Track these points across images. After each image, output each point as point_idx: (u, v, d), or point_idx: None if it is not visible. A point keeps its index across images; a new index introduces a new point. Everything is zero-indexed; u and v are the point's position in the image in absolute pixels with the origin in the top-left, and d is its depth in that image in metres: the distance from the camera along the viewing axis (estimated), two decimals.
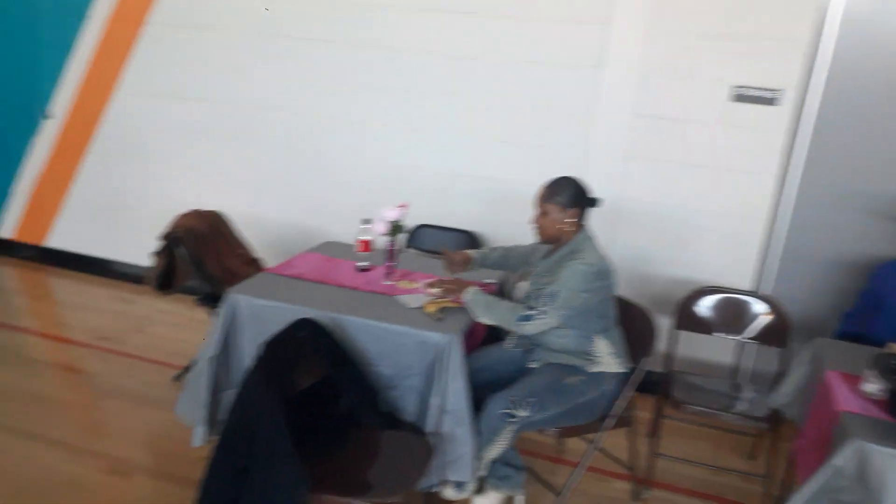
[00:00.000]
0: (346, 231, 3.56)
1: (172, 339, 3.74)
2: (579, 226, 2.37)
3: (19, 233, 4.71)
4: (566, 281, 2.25)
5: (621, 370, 2.43)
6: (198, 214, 3.28)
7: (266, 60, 3.93)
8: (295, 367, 2.14)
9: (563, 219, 2.33)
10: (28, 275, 4.60)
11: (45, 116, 4.41)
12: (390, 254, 2.76)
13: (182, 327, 3.89)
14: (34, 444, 2.70)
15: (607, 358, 2.39)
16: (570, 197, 2.33)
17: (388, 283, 2.70)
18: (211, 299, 3.11)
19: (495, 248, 2.78)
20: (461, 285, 2.46)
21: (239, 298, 2.48)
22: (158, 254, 3.13)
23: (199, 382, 2.50)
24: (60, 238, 4.64)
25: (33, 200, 4.62)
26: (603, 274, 2.33)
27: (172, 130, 4.22)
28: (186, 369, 3.31)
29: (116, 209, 4.44)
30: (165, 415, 2.96)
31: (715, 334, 2.90)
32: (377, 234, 2.74)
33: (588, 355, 2.38)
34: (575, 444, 2.89)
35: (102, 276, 4.56)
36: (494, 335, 2.64)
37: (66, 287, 4.46)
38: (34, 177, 4.56)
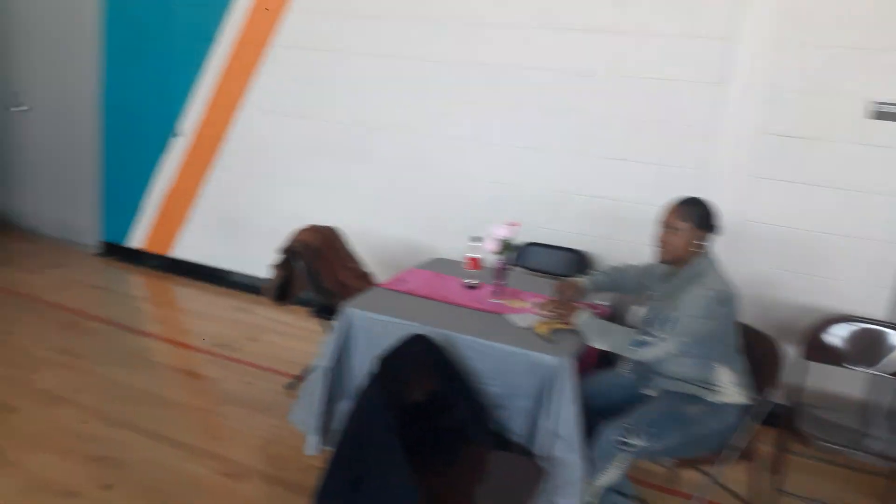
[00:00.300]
0: (454, 248, 3.58)
1: (286, 348, 3.88)
2: (704, 249, 2.28)
3: (148, 243, 5.04)
4: (688, 306, 2.16)
5: (744, 401, 2.30)
6: (314, 229, 3.39)
7: (379, 80, 4.04)
8: (407, 382, 2.16)
9: (693, 239, 2.24)
10: (155, 283, 4.91)
11: (175, 134, 4.72)
12: (499, 272, 2.74)
13: (295, 337, 4.03)
14: (160, 444, 2.86)
15: (730, 388, 2.27)
16: (702, 217, 2.24)
17: (497, 301, 2.69)
18: (325, 311, 3.21)
19: (606, 270, 2.70)
20: (573, 308, 2.41)
21: (354, 312, 2.54)
22: (277, 266, 3.26)
23: (314, 392, 2.57)
24: (184, 249, 4.93)
25: (162, 213, 4.93)
26: (727, 300, 2.22)
27: (290, 148, 4.40)
28: (298, 378, 3.42)
29: (236, 222, 4.68)
30: (279, 421, 3.07)
31: (846, 366, 2.70)
32: (487, 251, 2.74)
33: (709, 384, 2.26)
34: (689, 475, 2.75)
35: (221, 285, 4.80)
36: (607, 359, 2.57)
37: (188, 295, 4.73)
38: (163, 191, 4.88)
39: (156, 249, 5.03)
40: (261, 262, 4.53)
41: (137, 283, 4.92)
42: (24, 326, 3.90)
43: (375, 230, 4.15)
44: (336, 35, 4.11)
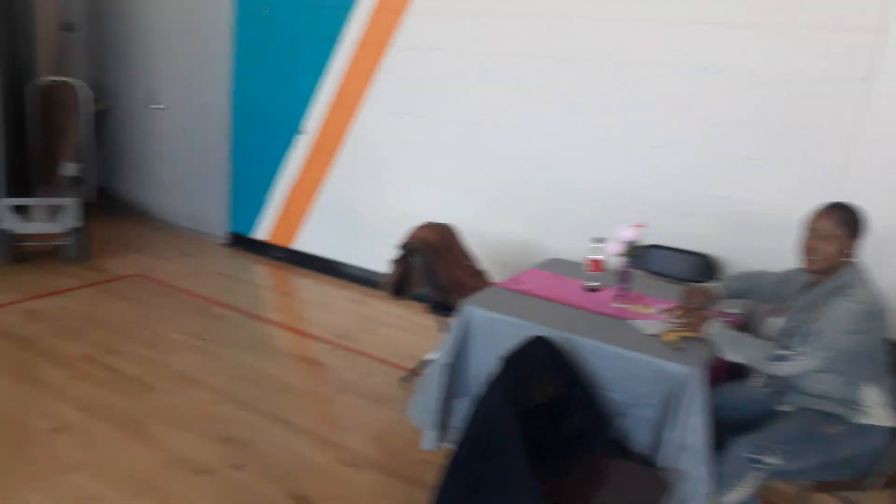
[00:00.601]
0: (569, 248, 3.53)
1: (400, 342, 3.96)
2: (852, 258, 2.12)
3: (272, 235, 5.28)
4: (832, 320, 2.02)
5: (892, 424, 2.12)
6: (432, 227, 3.43)
7: (495, 79, 4.04)
8: (529, 384, 2.14)
9: (846, 248, 2.09)
10: (278, 273, 5.15)
11: (300, 132, 4.91)
12: (623, 275, 2.67)
13: (409, 331, 4.11)
14: (284, 429, 2.99)
15: (877, 409, 2.10)
16: (855, 224, 2.09)
17: (620, 305, 2.62)
18: (440, 307, 3.25)
19: (739, 276, 2.57)
20: (703, 315, 2.31)
21: (473, 310, 2.55)
22: (396, 262, 3.33)
23: (432, 388, 2.61)
24: (305, 241, 5.13)
25: (285, 207, 5.16)
26: (876, 314, 2.06)
27: (406, 146, 4.48)
28: (413, 372, 3.48)
29: (353, 217, 4.82)
30: (394, 414, 3.14)
31: None
32: (610, 253, 2.67)
33: (853, 404, 2.11)
34: (822, 498, 2.57)
35: (338, 277, 4.96)
36: (737, 371, 2.45)
37: (308, 286, 4.92)
38: (287, 186, 5.09)
39: (278, 241, 5.26)
40: (375, 256, 4.65)
41: (261, 272, 5.17)
42: (160, 311, 4.19)
43: (489, 229, 4.15)
44: (453, 35, 4.14)
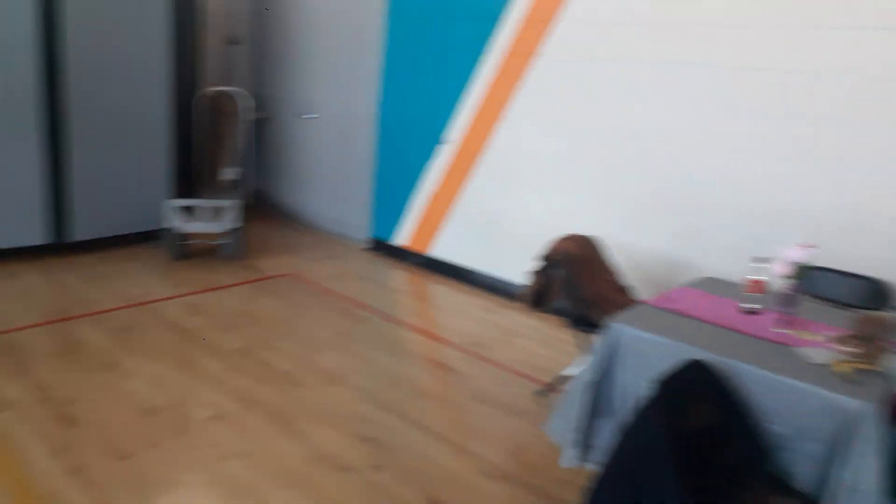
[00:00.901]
0: (720, 266, 3.35)
1: (535, 354, 3.91)
2: None
3: (411, 242, 5.42)
4: None
5: None
6: (574, 238, 3.37)
7: (645, 87, 3.91)
8: (684, 410, 2.03)
9: None
10: (415, 279, 5.26)
11: (442, 142, 5.00)
12: (787, 298, 2.48)
13: (544, 344, 4.06)
14: (421, 433, 3.03)
15: None
16: None
17: (782, 331, 2.44)
18: (581, 322, 3.17)
19: None
20: (880, 346, 2.10)
21: (622, 328, 2.47)
22: (536, 273, 3.29)
23: (573, 405, 2.54)
24: (442, 249, 5.21)
25: (424, 215, 5.27)
26: None
27: (548, 156, 4.44)
28: (549, 386, 3.43)
29: (490, 227, 4.84)
30: (530, 427, 3.11)
31: None
32: (775, 275, 2.49)
33: None
34: None
35: (473, 285, 5.00)
36: None
37: (443, 293, 4.99)
38: (427, 195, 5.20)
39: (417, 248, 5.38)
40: (512, 267, 4.65)
41: (399, 277, 5.31)
42: (309, 310, 4.40)
43: (634, 243, 4.02)
44: (603, 43, 4.05)
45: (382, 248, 5.64)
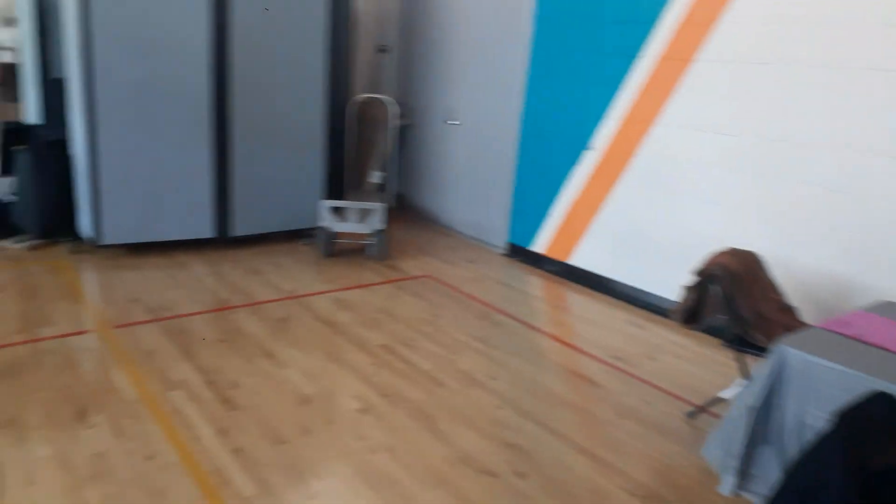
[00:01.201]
0: None
1: (683, 372, 3.74)
2: None
3: (549, 249, 5.36)
4: None
5: None
6: (734, 253, 3.19)
7: (805, 92, 3.64)
8: (869, 446, 1.86)
9: None
10: (552, 286, 5.20)
11: (588, 148, 4.91)
12: None
13: (692, 362, 3.87)
14: (565, 445, 2.98)
15: None
16: None
17: None
18: (739, 342, 3.00)
19: None
20: None
21: (790, 352, 2.30)
22: (690, 288, 3.15)
23: (734, 430, 2.40)
24: (582, 257, 5.11)
25: (565, 222, 5.20)
26: None
27: (703, 164, 4.24)
28: (701, 408, 3.26)
29: (636, 237, 4.68)
30: (679, 448, 2.97)
31: None
32: None
33: None
34: None
35: (614, 296, 4.86)
36: None
37: (582, 302, 4.90)
38: (569, 202, 5.13)
39: (555, 255, 5.32)
40: (658, 279, 4.48)
41: (536, 284, 5.26)
42: (448, 311, 4.46)
43: (792, 258, 3.75)
44: (771, 46, 3.81)
45: (520, 253, 5.62)
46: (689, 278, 3.14)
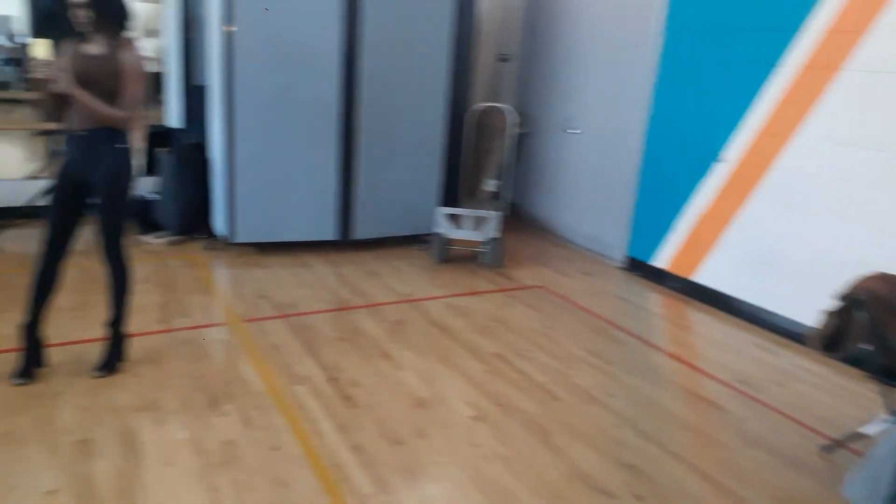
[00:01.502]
0: None
1: (816, 402, 3.49)
2: None
3: (672, 265, 5.16)
4: None
5: None
6: (885, 277, 2.93)
7: None
8: None
9: None
10: (673, 304, 5.01)
11: (718, 160, 4.70)
12: None
13: (829, 393, 3.60)
14: (687, 470, 2.85)
15: None
16: None
17: None
18: (886, 374, 2.76)
19: None
20: None
21: None
22: (832, 313, 2.93)
23: (881, 470, 2.20)
24: (707, 275, 4.89)
25: (690, 237, 4.99)
26: None
27: (846, 181, 3.95)
28: (839, 443, 3.03)
29: (770, 256, 4.42)
30: (811, 484, 2.79)
31: None
32: None
33: None
34: None
35: (741, 318, 4.61)
36: None
37: (706, 322, 4.68)
38: (696, 215, 4.92)
39: (677, 271, 5.12)
40: (790, 301, 4.22)
41: (656, 300, 5.08)
42: (562, 324, 4.39)
43: None
44: None
45: (639, 268, 5.45)
46: (830, 302, 2.92)
